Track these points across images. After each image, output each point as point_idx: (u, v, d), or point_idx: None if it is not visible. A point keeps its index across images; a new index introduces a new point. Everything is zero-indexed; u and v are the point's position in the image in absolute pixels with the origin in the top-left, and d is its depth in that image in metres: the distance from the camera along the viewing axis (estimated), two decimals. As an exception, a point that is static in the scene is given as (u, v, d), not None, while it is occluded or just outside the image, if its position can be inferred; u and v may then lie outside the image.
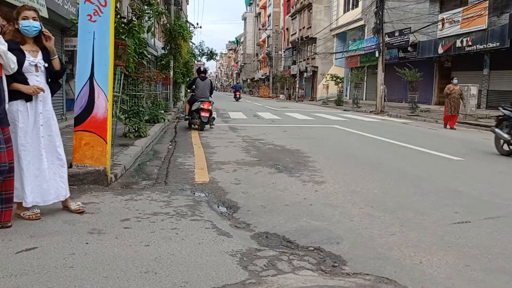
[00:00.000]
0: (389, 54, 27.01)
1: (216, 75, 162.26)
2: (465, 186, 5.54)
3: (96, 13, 4.99)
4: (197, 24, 51.07)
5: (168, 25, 18.12)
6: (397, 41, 26.40)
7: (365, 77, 30.18)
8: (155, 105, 13.51)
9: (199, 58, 29.49)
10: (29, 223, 3.57)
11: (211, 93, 12.26)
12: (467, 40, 20.82)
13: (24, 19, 3.59)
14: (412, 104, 20.54)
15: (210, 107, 11.45)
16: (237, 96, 38.02)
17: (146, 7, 8.41)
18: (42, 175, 3.71)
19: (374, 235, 3.58)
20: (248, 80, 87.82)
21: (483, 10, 19.66)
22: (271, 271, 2.83)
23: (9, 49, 3.38)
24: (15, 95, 3.55)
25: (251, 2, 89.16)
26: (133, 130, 9.17)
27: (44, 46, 3.78)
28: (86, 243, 3.16)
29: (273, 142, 9.54)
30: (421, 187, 5.41)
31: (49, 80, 3.87)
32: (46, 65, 3.78)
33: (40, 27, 3.69)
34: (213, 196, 4.79)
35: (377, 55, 24.15)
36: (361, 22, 33.30)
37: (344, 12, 37.23)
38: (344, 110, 25.61)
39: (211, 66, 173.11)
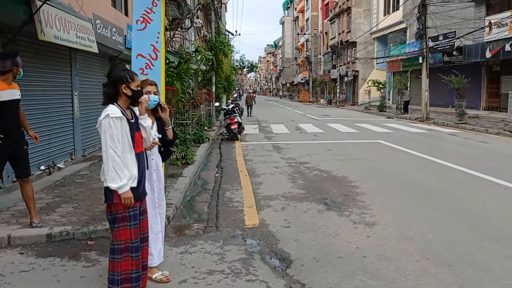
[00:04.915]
0: (433, 58, 26.25)
1: (255, 79, 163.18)
2: (525, 228, 5.31)
3: (147, 67, 5.17)
4: (236, 31, 51.56)
5: (209, 41, 18.42)
6: (441, 45, 25.62)
7: (408, 82, 29.47)
8: (200, 125, 13.78)
9: (240, 72, 29.73)
10: None
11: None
12: (517, 44, 19.97)
13: (146, 93, 3.66)
14: (459, 111, 19.84)
15: (235, 120, 14.80)
16: (254, 97, 61.11)
17: (194, 53, 8.62)
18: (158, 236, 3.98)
19: (433, 301, 3.51)
20: (288, 84, 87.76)
21: (534, 13, 18.80)
22: None
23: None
24: None
25: (288, 6, 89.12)
26: (180, 157, 9.39)
27: (159, 117, 3.91)
28: (149, 315, 3.28)
29: (318, 166, 9.50)
30: (478, 230, 5.23)
31: (161, 149, 3.98)
32: (160, 136, 3.91)
33: (158, 100, 3.83)
34: (264, 244, 4.84)
35: (420, 60, 23.52)
36: (403, 25, 32.61)
37: (385, 15, 36.56)
38: (388, 118, 25.13)
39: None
